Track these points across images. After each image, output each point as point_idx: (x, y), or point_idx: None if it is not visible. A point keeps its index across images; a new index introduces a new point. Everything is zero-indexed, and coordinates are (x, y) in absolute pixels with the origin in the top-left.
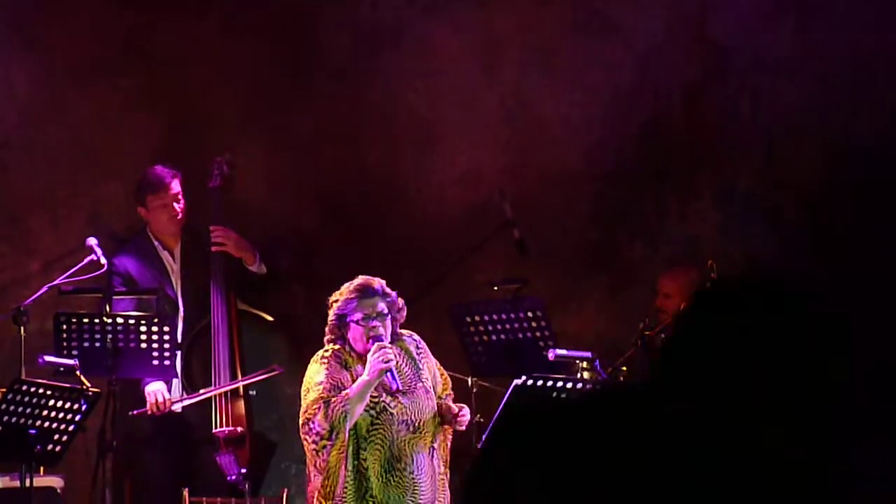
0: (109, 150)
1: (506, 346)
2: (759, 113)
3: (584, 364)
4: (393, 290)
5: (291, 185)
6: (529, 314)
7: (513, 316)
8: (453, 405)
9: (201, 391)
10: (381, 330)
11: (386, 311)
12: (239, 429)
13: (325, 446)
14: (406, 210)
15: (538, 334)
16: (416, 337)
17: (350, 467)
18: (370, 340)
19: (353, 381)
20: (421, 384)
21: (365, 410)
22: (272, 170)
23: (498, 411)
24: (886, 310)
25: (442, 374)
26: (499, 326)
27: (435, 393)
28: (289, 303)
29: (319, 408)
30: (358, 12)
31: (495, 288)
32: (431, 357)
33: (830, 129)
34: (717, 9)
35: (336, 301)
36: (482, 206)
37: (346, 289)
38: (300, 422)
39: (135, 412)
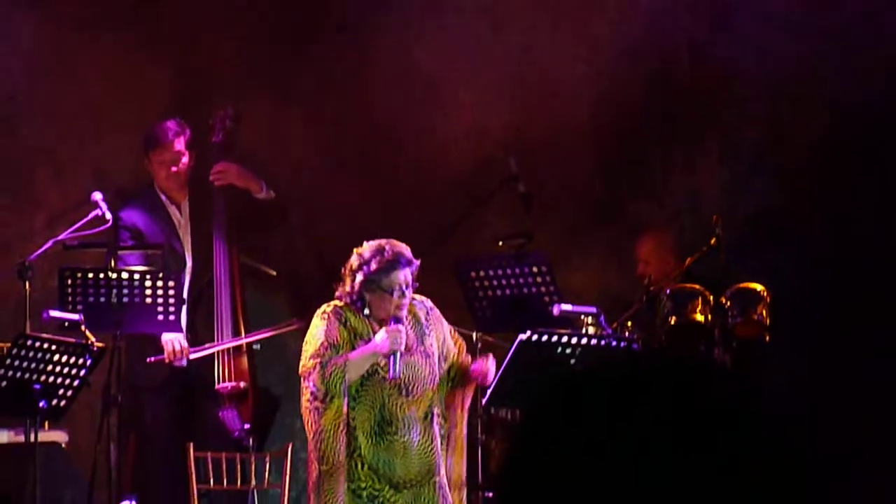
0: (115, 104)
1: (510, 301)
2: (765, 68)
3: (589, 319)
4: (398, 245)
5: (296, 138)
6: (534, 269)
7: (518, 271)
8: (468, 358)
9: (206, 346)
10: (406, 302)
11: (411, 280)
12: (242, 384)
13: (317, 407)
14: (411, 165)
15: (543, 289)
16: (429, 304)
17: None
18: (393, 316)
19: (349, 338)
20: (422, 349)
21: None
22: (277, 123)
23: (503, 367)
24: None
25: (456, 342)
26: (503, 281)
27: (445, 361)
28: (293, 257)
29: (315, 367)
30: None
31: (500, 243)
32: (444, 325)
33: (837, 85)
34: None
35: (365, 265)
36: (487, 160)
37: (379, 256)
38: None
39: (151, 359)
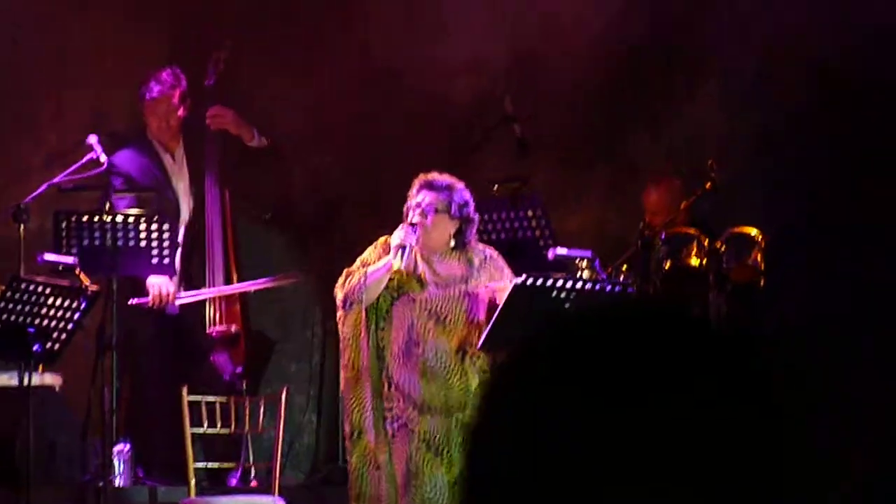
0: (117, 49)
1: (506, 245)
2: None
3: (584, 263)
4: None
5: (294, 76)
6: (529, 213)
7: (513, 215)
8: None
9: (202, 290)
10: (419, 219)
11: (435, 204)
12: (233, 328)
13: (342, 315)
14: (409, 100)
15: (538, 233)
16: (490, 253)
17: (372, 344)
18: (409, 223)
19: None
20: (464, 287)
21: (387, 290)
22: (275, 59)
23: (498, 311)
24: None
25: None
26: (499, 226)
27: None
28: (288, 199)
29: (342, 276)
30: None
31: (495, 187)
32: (503, 275)
33: (837, 14)
34: None
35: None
36: (486, 94)
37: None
38: None
39: (134, 301)
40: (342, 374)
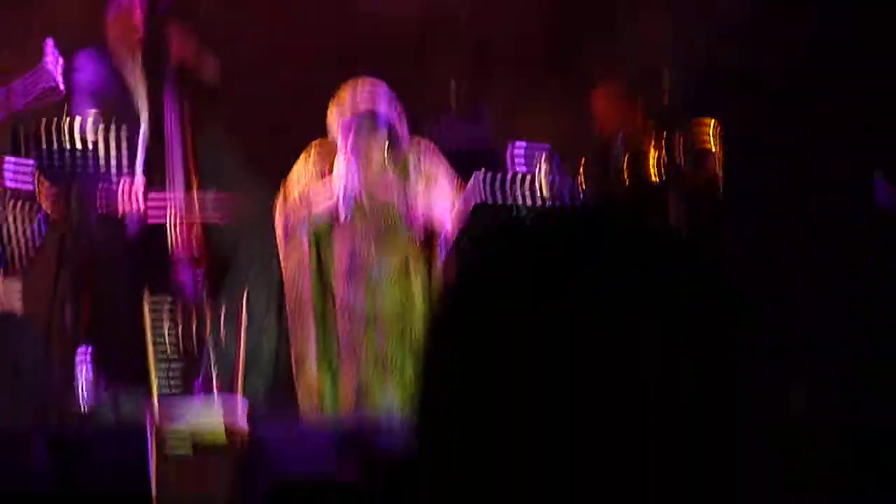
0: None
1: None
2: None
3: (542, 160)
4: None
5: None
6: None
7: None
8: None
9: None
10: (352, 155)
11: (367, 133)
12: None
13: (282, 248)
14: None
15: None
16: (425, 149)
17: (313, 269)
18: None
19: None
20: (402, 203)
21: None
22: None
23: (458, 231)
24: None
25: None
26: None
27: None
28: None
29: (280, 201)
30: None
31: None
32: (439, 173)
33: None
34: None
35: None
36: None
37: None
38: None
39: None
40: (287, 303)
